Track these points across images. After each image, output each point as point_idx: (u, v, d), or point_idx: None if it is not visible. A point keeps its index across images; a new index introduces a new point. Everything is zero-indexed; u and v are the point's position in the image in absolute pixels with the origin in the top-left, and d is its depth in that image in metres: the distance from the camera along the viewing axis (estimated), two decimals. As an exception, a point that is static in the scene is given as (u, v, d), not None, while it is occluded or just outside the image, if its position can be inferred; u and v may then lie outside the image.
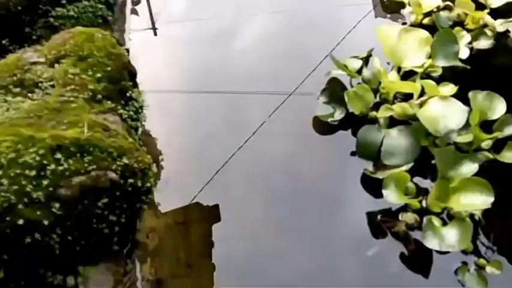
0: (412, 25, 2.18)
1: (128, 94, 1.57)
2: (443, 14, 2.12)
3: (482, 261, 1.50)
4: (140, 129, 1.70)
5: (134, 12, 2.53)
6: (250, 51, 2.25)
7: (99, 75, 1.50)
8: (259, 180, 1.77)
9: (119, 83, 1.54)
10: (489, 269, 1.48)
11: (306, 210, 1.67)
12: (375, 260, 1.53)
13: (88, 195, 1.25)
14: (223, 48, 2.29)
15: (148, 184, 1.35)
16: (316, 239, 1.60)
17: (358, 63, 1.93)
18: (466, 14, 2.08)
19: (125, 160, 1.31)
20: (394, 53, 1.84)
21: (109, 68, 1.51)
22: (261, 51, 2.25)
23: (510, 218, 1.58)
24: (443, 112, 1.62)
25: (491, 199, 1.47)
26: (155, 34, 2.45)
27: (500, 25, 1.97)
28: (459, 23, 2.11)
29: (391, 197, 1.52)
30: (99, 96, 1.47)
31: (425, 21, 2.15)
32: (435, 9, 2.16)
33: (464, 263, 1.50)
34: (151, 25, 2.47)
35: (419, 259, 1.52)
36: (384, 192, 1.53)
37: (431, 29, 2.09)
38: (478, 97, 1.71)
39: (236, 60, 2.24)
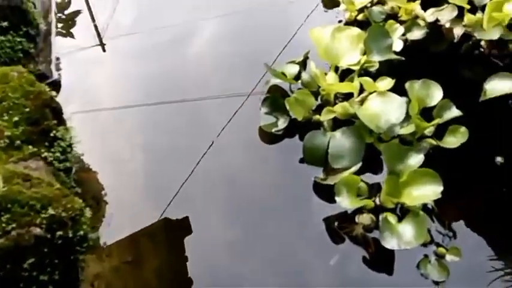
0: (347, 22, 2.18)
1: (51, 134, 1.46)
2: (376, 8, 2.12)
3: (441, 250, 1.49)
4: (74, 169, 1.59)
5: (77, 29, 2.41)
6: (204, 57, 2.19)
7: (16, 118, 1.39)
8: (213, 200, 1.70)
9: (41, 124, 1.43)
10: (449, 256, 1.47)
11: (261, 224, 1.61)
12: (338, 269, 1.49)
13: (10, 258, 1.12)
14: (174, 56, 2.22)
15: (82, 232, 1.24)
16: (276, 252, 1.54)
17: (295, 68, 1.89)
18: (400, 7, 2.09)
19: (51, 211, 1.20)
20: (329, 54, 1.81)
21: (27, 109, 1.40)
22: (214, 56, 2.20)
23: (461, 202, 1.58)
24: (383, 107, 1.61)
25: (441, 188, 1.47)
26: (104, 50, 2.33)
27: (430, 15, 1.98)
28: (393, 16, 2.11)
29: (345, 203, 1.49)
30: (18, 142, 1.36)
31: (360, 17, 2.15)
32: (368, 5, 2.16)
33: (425, 256, 1.48)
34: (98, 41, 2.35)
35: (381, 259, 1.50)
36: (337, 199, 1.50)
37: (366, 24, 2.10)
38: (415, 86, 1.71)
39: (189, 68, 2.17)
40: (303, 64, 1.95)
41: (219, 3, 2.44)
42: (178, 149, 1.85)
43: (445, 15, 1.96)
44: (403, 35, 1.96)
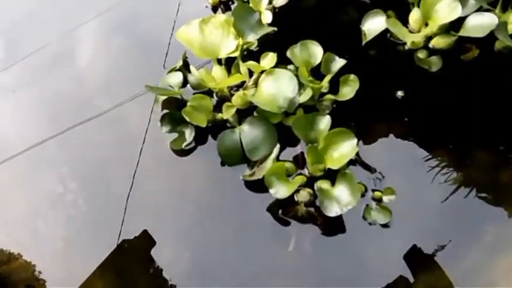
0: (213, 7, 2.12)
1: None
2: None
3: (377, 193, 1.57)
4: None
5: None
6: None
7: None
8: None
9: None
10: (385, 198, 1.56)
11: (207, 234, 1.59)
12: (297, 251, 1.53)
13: None
14: (58, 79, 2.05)
15: None
16: (231, 254, 1.54)
17: (178, 76, 1.82)
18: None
19: None
20: (205, 50, 1.76)
21: None
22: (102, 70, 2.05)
23: (375, 143, 1.67)
24: (276, 86, 1.61)
25: (355, 140, 1.52)
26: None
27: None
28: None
29: (280, 193, 1.50)
30: None
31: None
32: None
33: (367, 205, 1.56)
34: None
35: (331, 226, 1.55)
36: (271, 191, 1.51)
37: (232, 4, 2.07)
38: (295, 51, 1.72)
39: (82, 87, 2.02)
40: (185, 67, 1.89)
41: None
42: (98, 190, 1.76)
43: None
44: (270, 3, 1.96)
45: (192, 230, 1.62)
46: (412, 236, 1.52)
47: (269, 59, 1.73)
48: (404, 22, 1.88)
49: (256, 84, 1.72)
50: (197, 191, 1.69)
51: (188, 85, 1.84)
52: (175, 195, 1.71)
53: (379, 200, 1.55)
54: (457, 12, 1.70)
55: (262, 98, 1.59)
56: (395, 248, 1.51)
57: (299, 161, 1.64)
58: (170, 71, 1.83)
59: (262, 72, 1.69)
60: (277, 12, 1.94)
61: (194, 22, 1.79)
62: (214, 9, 2.12)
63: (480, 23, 1.67)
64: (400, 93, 1.76)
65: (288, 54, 1.73)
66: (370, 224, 1.53)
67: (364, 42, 1.82)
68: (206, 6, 2.15)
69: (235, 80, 1.69)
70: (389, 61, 1.86)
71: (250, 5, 1.92)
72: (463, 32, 1.71)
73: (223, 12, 2.09)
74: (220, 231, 1.60)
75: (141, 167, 1.78)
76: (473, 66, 1.78)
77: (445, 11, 1.73)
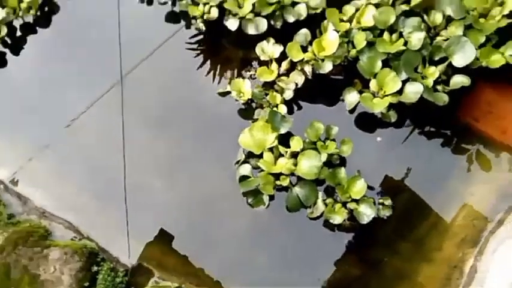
0: (244, 103, 3.17)
1: None
2: (256, 91, 3.14)
3: (380, 201, 2.77)
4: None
5: None
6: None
7: None
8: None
9: None
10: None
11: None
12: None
13: None
14: None
15: None
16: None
17: (247, 167, 2.94)
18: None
19: None
20: (258, 146, 2.86)
21: None
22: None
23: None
24: (308, 162, 2.76)
25: (364, 183, 2.70)
26: None
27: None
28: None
29: (337, 219, 2.72)
30: None
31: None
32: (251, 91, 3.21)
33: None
34: None
35: (364, 227, 2.77)
36: (331, 220, 2.72)
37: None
38: (309, 131, 2.87)
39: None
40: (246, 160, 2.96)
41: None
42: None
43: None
44: (282, 99, 3.08)
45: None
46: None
47: (295, 142, 2.85)
48: (366, 86, 3.01)
49: (292, 156, 2.86)
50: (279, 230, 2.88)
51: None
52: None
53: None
54: (399, 84, 2.84)
55: (303, 172, 2.74)
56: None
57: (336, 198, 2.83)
58: (240, 164, 2.92)
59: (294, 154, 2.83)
60: (290, 100, 3.05)
61: (245, 131, 2.90)
62: (246, 104, 3.18)
63: (413, 91, 2.81)
64: (378, 139, 2.95)
65: (306, 134, 2.86)
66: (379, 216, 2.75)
67: (348, 109, 2.97)
68: (236, 100, 3.21)
69: (279, 168, 2.80)
70: (364, 118, 3.01)
71: (268, 98, 3.03)
72: (403, 98, 2.84)
73: (254, 107, 3.15)
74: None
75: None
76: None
77: (392, 84, 2.86)
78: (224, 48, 3.40)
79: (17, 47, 3.54)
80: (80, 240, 2.70)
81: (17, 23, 3.57)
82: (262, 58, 3.19)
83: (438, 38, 3.03)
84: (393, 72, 2.87)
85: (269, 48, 3.17)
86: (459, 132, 2.92)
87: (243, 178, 2.87)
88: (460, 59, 2.87)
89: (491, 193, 2.71)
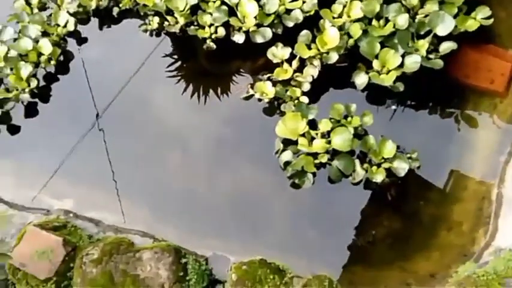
0: (268, 102, 3.62)
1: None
2: (279, 89, 3.60)
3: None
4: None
5: None
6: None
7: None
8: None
9: None
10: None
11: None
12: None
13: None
14: None
15: None
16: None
17: (289, 153, 3.32)
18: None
19: None
20: (292, 133, 3.26)
21: None
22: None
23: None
24: (341, 137, 3.16)
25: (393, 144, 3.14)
26: None
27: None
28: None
29: (380, 177, 3.11)
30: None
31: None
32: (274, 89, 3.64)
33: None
34: None
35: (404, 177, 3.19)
36: (374, 180, 3.11)
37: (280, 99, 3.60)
38: (335, 107, 3.30)
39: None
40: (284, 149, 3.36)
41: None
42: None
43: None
44: (302, 92, 3.50)
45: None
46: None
47: (324, 123, 3.26)
48: (369, 67, 3.48)
49: (321, 136, 3.26)
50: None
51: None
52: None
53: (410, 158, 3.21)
54: (399, 59, 3.33)
55: (338, 146, 3.15)
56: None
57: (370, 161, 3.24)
58: (280, 153, 3.30)
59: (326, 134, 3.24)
60: (308, 92, 3.49)
61: (279, 122, 3.29)
62: (270, 103, 3.58)
63: (413, 61, 3.30)
64: (393, 107, 3.41)
65: (330, 115, 3.29)
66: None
67: (360, 89, 3.42)
68: (260, 100, 3.60)
69: (316, 148, 3.20)
70: (376, 90, 3.47)
71: (289, 93, 3.46)
72: (405, 69, 3.33)
73: (275, 104, 3.56)
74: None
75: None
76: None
77: (393, 60, 3.35)
78: (235, 60, 3.81)
79: (45, 95, 3.81)
80: (160, 242, 2.98)
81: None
82: (274, 61, 3.62)
83: (418, 17, 3.56)
84: (392, 50, 3.36)
85: (279, 52, 3.61)
86: (455, 89, 3.43)
87: (287, 163, 3.24)
88: (442, 29, 3.40)
89: (496, 132, 3.21)
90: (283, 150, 3.31)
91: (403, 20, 3.46)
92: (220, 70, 3.81)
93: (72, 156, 3.53)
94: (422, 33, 3.50)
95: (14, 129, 3.71)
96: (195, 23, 3.84)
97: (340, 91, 3.58)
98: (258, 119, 3.55)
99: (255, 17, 3.68)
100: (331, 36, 3.47)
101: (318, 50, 3.55)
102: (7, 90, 3.67)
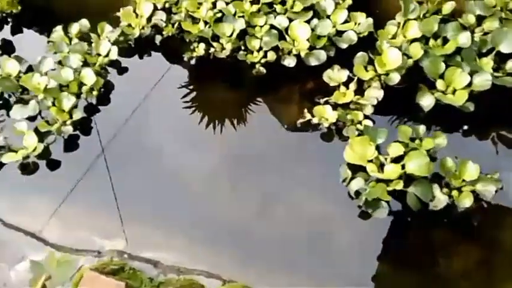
0: (327, 127, 3.43)
1: None
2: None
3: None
4: None
5: None
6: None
7: None
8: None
9: None
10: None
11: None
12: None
13: None
14: None
15: None
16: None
17: (360, 181, 3.09)
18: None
19: None
20: (361, 159, 3.06)
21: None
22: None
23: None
24: (417, 162, 2.94)
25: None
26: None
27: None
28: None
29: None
30: None
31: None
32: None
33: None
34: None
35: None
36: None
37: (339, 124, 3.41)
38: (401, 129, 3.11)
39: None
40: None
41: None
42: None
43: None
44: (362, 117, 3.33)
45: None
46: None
47: (394, 148, 3.07)
48: (432, 87, 3.33)
49: (391, 161, 3.06)
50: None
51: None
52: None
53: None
54: (468, 78, 3.18)
55: (414, 171, 2.94)
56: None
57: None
58: (349, 181, 3.08)
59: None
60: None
61: (347, 148, 3.09)
62: (327, 129, 3.40)
63: (483, 79, 3.16)
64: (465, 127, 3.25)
65: (400, 136, 3.10)
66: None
67: (426, 110, 3.25)
68: (318, 125, 3.40)
69: (389, 174, 2.99)
70: (445, 112, 3.29)
71: (350, 117, 3.28)
72: (475, 88, 3.18)
73: (333, 130, 3.37)
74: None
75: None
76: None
77: (460, 78, 3.20)
78: (285, 85, 3.66)
79: (87, 127, 3.59)
80: (230, 283, 2.72)
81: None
82: (331, 84, 3.46)
83: (475, 35, 3.45)
84: (459, 69, 3.22)
85: (336, 75, 3.46)
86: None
87: (358, 192, 3.02)
88: (506, 46, 3.29)
89: None
90: (352, 178, 3.09)
91: (466, 37, 3.36)
92: (270, 96, 3.63)
93: (119, 192, 3.29)
94: (484, 51, 3.38)
95: (54, 165, 3.46)
96: (243, 48, 3.69)
97: (400, 113, 3.41)
98: (317, 145, 3.36)
99: (307, 40, 3.55)
100: (392, 57, 3.34)
101: (375, 71, 3.41)
102: (47, 122, 3.43)
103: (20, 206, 3.28)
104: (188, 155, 3.39)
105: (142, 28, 3.84)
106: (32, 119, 3.52)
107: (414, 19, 3.54)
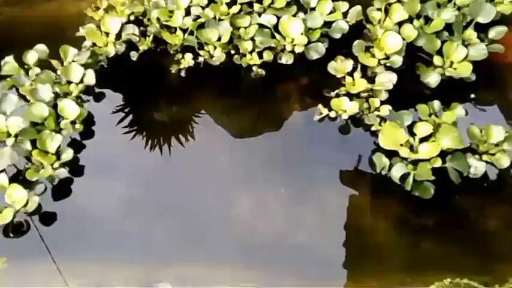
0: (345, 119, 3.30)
1: None
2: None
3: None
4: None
5: None
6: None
7: None
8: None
9: None
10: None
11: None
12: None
13: None
14: None
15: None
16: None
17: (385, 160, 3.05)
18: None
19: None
20: (394, 143, 3.00)
21: None
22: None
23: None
24: (449, 136, 2.99)
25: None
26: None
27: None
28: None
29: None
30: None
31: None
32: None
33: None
34: None
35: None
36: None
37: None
38: (421, 108, 3.14)
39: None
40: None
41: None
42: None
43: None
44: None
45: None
46: None
47: (423, 127, 3.07)
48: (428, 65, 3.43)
49: (420, 141, 3.07)
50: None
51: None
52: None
53: None
54: (465, 50, 3.33)
55: (450, 145, 2.96)
56: None
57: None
58: (388, 169, 3.01)
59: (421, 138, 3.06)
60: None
61: (380, 136, 3.02)
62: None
63: (479, 49, 3.33)
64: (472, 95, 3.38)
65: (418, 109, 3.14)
66: None
67: (433, 87, 3.32)
68: (335, 119, 3.28)
69: (424, 154, 2.99)
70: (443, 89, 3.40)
71: (367, 105, 3.23)
72: (471, 58, 3.34)
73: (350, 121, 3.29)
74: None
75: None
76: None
77: (457, 51, 3.34)
78: (283, 83, 3.49)
79: (77, 168, 3.03)
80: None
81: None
82: (338, 76, 3.37)
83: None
84: (455, 42, 3.36)
85: (340, 65, 3.38)
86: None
87: (403, 176, 2.96)
88: (484, 17, 3.51)
89: None
90: (390, 165, 3.03)
91: (448, 14, 3.51)
92: (277, 97, 3.43)
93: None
94: (464, 24, 3.57)
95: (47, 219, 2.86)
96: (234, 52, 3.44)
97: (408, 94, 3.43)
98: (341, 138, 3.25)
99: (302, 34, 3.42)
100: (392, 41, 3.36)
101: (373, 56, 3.41)
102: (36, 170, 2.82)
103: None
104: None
105: (114, 46, 3.36)
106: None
107: (394, 2, 3.61)
